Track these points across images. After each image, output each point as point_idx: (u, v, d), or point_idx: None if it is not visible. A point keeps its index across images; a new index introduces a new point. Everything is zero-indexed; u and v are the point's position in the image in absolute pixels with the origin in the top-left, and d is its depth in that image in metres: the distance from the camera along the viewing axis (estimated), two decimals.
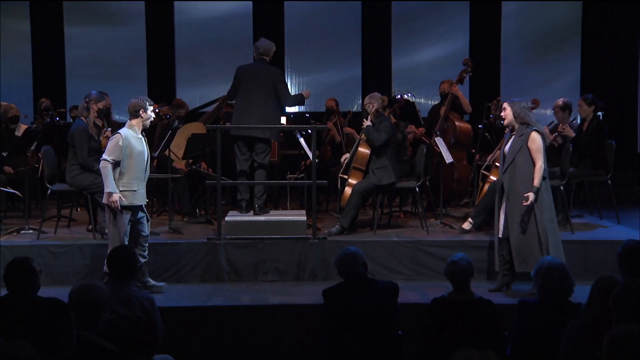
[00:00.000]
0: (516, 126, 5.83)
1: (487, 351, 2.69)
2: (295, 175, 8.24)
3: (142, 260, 5.83)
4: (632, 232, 7.04)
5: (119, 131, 5.76)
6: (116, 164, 5.65)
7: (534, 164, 5.70)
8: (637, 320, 3.04)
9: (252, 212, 6.86)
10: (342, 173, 7.28)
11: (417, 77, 10.99)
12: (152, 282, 6.01)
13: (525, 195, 5.65)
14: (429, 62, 11.06)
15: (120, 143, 5.63)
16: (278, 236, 6.54)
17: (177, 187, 7.70)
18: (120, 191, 5.64)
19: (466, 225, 6.92)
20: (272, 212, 7.06)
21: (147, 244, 5.94)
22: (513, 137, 5.85)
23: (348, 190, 7.03)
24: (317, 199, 6.98)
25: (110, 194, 5.61)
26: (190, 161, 7.80)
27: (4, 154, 7.50)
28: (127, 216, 5.69)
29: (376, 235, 6.86)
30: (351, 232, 6.92)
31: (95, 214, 6.70)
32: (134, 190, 5.70)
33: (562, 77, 11.08)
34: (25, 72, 10.91)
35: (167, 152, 7.35)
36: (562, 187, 6.91)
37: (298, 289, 6.27)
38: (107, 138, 7.18)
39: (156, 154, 7.44)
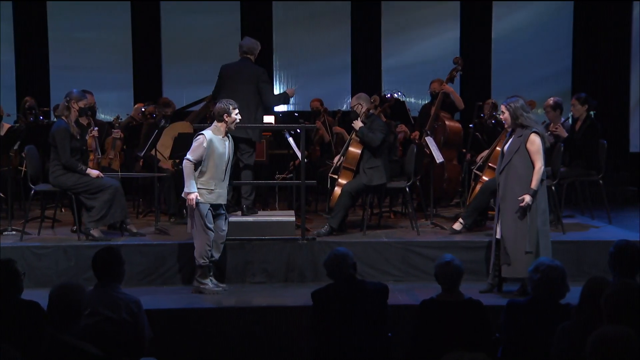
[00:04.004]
0: (516, 127, 5.82)
1: (477, 353, 2.70)
2: (284, 175, 8.25)
3: (212, 258, 6.00)
4: (624, 232, 7.08)
5: (202, 132, 5.94)
6: (197, 164, 5.85)
7: (533, 166, 5.70)
8: (626, 321, 3.07)
9: (239, 212, 6.85)
10: (332, 173, 7.29)
11: (407, 75, 11.02)
12: (215, 281, 6.09)
13: (520, 197, 5.65)
14: (419, 61, 11.09)
15: (205, 144, 5.83)
16: (266, 237, 6.54)
17: (164, 187, 7.68)
18: (198, 189, 5.86)
19: (457, 226, 6.94)
20: (260, 212, 7.06)
21: (222, 243, 6.10)
22: (513, 136, 5.85)
23: (337, 190, 7.03)
24: (306, 199, 6.98)
25: (188, 193, 5.83)
26: (177, 161, 7.78)
27: None
28: (204, 207, 5.88)
29: (366, 236, 6.86)
30: (340, 232, 6.93)
31: (80, 214, 6.66)
32: (212, 189, 5.91)
33: (554, 76, 11.13)
34: (8, 70, 10.84)
35: (153, 152, 7.33)
36: (553, 187, 6.94)
37: (286, 290, 6.27)
38: (94, 137, 7.19)
39: (142, 154, 7.43)
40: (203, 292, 6.01)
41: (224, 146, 5.99)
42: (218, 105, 6.05)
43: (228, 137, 6.07)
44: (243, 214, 6.81)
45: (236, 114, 6.00)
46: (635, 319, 3.13)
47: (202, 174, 5.90)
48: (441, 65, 9.15)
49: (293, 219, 6.75)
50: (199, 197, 5.85)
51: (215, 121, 6.02)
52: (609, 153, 7.72)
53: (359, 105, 7.05)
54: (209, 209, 5.94)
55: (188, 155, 5.89)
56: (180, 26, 11.15)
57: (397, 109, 8.98)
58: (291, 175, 8.11)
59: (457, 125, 8.17)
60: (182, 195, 5.99)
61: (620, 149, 10.46)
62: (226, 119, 5.96)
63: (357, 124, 6.97)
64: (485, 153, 7.40)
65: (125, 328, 4.19)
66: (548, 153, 7.30)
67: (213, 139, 5.91)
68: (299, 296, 5.84)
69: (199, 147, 5.85)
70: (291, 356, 5.45)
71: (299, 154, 7.18)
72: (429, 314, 4.29)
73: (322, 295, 4.56)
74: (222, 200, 6.06)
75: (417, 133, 8.37)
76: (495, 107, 8.68)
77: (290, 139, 7.61)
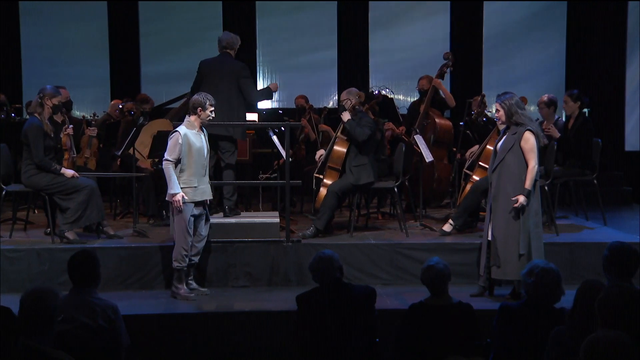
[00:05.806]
0: (511, 125, 5.83)
1: (475, 358, 2.70)
2: (268, 175, 8.23)
3: (191, 262, 5.99)
4: (619, 233, 7.12)
5: (176, 129, 5.92)
6: (177, 162, 5.86)
7: (526, 165, 5.72)
8: (621, 326, 3.08)
9: (221, 213, 6.84)
10: (317, 172, 7.28)
11: (395, 72, 11.03)
12: (195, 285, 6.09)
13: (514, 198, 5.66)
14: (407, 57, 11.10)
15: (180, 141, 5.84)
16: (249, 239, 6.52)
17: (142, 187, 7.65)
18: (182, 188, 5.85)
19: (447, 227, 6.95)
20: (243, 213, 7.04)
21: (201, 245, 6.09)
22: (507, 134, 5.86)
23: (323, 190, 7.03)
24: (290, 199, 6.98)
25: (173, 194, 5.82)
26: (156, 160, 7.74)
27: None
28: (188, 210, 5.87)
29: (353, 237, 6.86)
30: (326, 234, 6.93)
31: (54, 216, 6.62)
32: (195, 187, 5.92)
33: (547, 73, 11.19)
34: None
35: (131, 151, 7.29)
36: (546, 187, 6.97)
37: (270, 294, 6.26)
38: (69, 135, 7.14)
39: (120, 152, 7.39)
40: (176, 297, 5.98)
41: (200, 140, 5.99)
42: (195, 97, 6.02)
43: (203, 131, 6.06)
44: (225, 215, 6.79)
45: (211, 111, 5.99)
46: (630, 323, 3.14)
47: (182, 172, 5.88)
48: (430, 62, 9.16)
49: (277, 220, 6.74)
50: (185, 197, 5.84)
51: (188, 115, 6.01)
52: (604, 152, 7.77)
53: (348, 101, 7.05)
54: (191, 214, 5.91)
55: (166, 156, 5.87)
56: (159, 20, 11.10)
57: (385, 106, 8.99)
58: (275, 175, 8.09)
59: (448, 123, 8.19)
60: (167, 198, 5.93)
61: (615, 148, 10.53)
62: (199, 113, 5.95)
63: (346, 115, 6.96)
64: (475, 148, 7.41)
65: (101, 335, 4.16)
66: (541, 152, 7.35)
67: (188, 134, 5.90)
68: (284, 300, 5.83)
69: (176, 144, 5.84)
70: None
71: (283, 153, 7.17)
72: (417, 319, 4.30)
73: (307, 299, 4.55)
74: (207, 196, 6.07)
75: (403, 128, 8.38)
76: (484, 103, 8.70)
77: (275, 138, 7.59)
